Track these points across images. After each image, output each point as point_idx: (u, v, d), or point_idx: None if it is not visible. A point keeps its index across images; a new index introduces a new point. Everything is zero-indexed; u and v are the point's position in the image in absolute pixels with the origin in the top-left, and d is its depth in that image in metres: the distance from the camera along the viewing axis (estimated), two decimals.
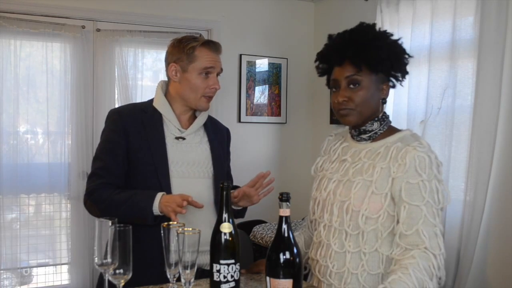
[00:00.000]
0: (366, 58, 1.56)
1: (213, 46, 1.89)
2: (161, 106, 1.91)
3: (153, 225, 1.71)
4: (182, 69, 1.86)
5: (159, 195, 1.73)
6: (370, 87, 1.60)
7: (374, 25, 1.65)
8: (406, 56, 1.63)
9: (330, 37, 1.67)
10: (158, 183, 1.79)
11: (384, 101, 1.63)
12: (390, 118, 1.69)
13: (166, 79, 1.98)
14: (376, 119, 1.62)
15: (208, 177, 1.91)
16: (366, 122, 1.64)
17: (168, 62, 1.90)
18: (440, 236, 1.48)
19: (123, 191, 1.81)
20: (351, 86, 1.60)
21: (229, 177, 2.07)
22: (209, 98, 1.91)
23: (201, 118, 1.97)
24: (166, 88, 1.96)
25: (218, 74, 1.91)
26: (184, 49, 1.85)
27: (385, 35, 1.61)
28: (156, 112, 1.90)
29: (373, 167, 1.56)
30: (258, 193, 1.84)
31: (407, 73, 1.65)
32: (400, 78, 1.65)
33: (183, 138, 1.90)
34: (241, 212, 1.99)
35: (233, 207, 1.89)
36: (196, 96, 1.87)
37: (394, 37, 1.65)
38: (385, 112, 1.66)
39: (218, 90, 1.93)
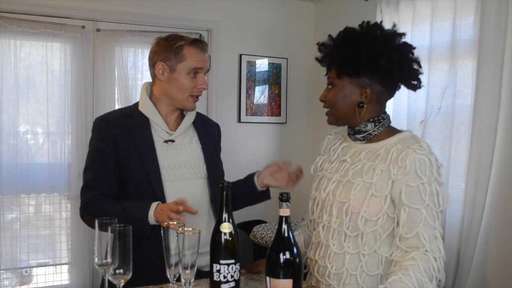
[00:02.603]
0: (342, 65, 1.59)
1: (200, 45, 1.85)
2: (147, 110, 1.87)
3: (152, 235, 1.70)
4: (170, 69, 1.82)
5: (153, 205, 1.70)
6: (342, 89, 1.61)
7: (363, 27, 1.63)
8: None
9: (319, 44, 1.69)
10: (151, 189, 1.75)
11: (361, 105, 1.60)
12: (391, 119, 1.68)
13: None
14: (371, 120, 1.62)
15: (202, 178, 1.88)
16: (343, 124, 1.68)
17: (154, 61, 1.86)
18: (440, 239, 1.48)
19: (118, 203, 1.77)
20: (330, 86, 1.65)
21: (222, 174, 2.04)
22: (196, 98, 1.88)
23: (189, 118, 1.93)
24: (150, 89, 1.92)
25: (205, 74, 1.88)
26: (172, 48, 1.81)
27: (368, 42, 1.56)
28: (142, 116, 1.86)
29: (373, 169, 1.56)
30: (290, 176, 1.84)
31: (401, 77, 1.61)
32: (395, 82, 1.63)
33: (172, 141, 1.86)
34: (266, 193, 1.95)
35: (259, 187, 1.89)
36: (183, 96, 1.84)
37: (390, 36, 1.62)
38: (385, 113, 1.65)
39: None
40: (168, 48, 1.82)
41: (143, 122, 1.86)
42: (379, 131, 1.62)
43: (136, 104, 1.92)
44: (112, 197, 1.81)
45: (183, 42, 1.82)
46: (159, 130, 1.86)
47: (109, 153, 1.81)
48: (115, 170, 1.81)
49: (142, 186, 1.79)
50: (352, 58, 1.56)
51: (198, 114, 2.01)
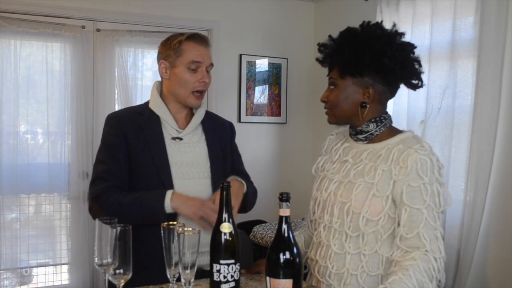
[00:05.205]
0: (345, 65, 1.59)
1: (199, 39, 1.87)
2: (157, 107, 1.90)
3: (159, 224, 1.71)
4: (171, 65, 1.86)
5: (169, 192, 1.73)
6: (345, 89, 1.61)
7: (364, 27, 1.63)
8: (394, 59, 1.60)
9: (319, 45, 1.69)
10: (162, 184, 1.77)
11: (364, 105, 1.60)
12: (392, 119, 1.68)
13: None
14: (373, 120, 1.62)
15: (207, 177, 1.89)
16: (344, 123, 1.68)
17: (158, 61, 1.91)
18: (440, 239, 1.48)
19: (130, 193, 1.79)
20: (331, 87, 1.65)
21: (239, 173, 1.98)
22: (200, 94, 1.88)
23: (198, 117, 1.94)
24: (160, 88, 1.95)
25: (208, 70, 1.88)
26: (171, 45, 1.85)
27: (371, 42, 1.57)
28: (153, 114, 1.89)
29: (374, 169, 1.56)
30: None
31: (403, 77, 1.62)
32: (398, 82, 1.64)
33: (180, 139, 1.88)
34: (245, 207, 1.92)
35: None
36: (186, 91, 1.86)
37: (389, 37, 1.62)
38: (386, 113, 1.65)
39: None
40: (168, 46, 1.86)
41: (154, 120, 1.88)
42: (381, 131, 1.62)
43: (147, 102, 1.95)
44: (123, 190, 1.82)
45: (181, 37, 1.85)
46: (168, 127, 1.89)
47: (120, 148, 1.83)
48: (126, 165, 1.83)
49: (152, 181, 1.80)
50: (355, 58, 1.56)
51: (208, 113, 2.03)
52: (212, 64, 1.91)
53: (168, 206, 1.71)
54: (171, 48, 1.85)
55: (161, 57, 1.89)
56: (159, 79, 1.97)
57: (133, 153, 1.83)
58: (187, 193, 1.77)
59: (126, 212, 1.73)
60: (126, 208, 1.74)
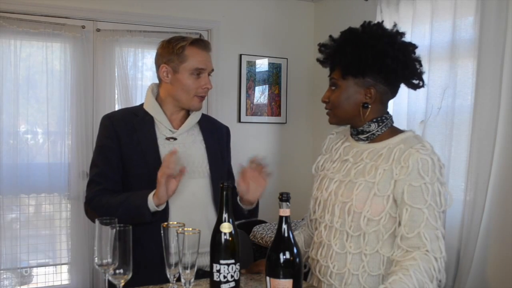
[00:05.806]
0: (347, 66, 1.59)
1: (202, 45, 1.87)
2: (152, 108, 1.90)
3: (152, 222, 1.71)
4: (173, 70, 1.85)
5: (153, 191, 1.71)
6: (347, 90, 1.61)
7: (365, 27, 1.63)
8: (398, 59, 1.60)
9: (320, 45, 1.69)
10: (154, 185, 1.75)
11: (365, 106, 1.60)
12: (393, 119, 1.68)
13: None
14: (375, 120, 1.62)
15: (205, 176, 1.90)
16: (345, 124, 1.69)
17: (158, 63, 1.89)
18: (441, 239, 1.48)
19: (120, 194, 1.80)
20: (333, 87, 1.65)
21: (230, 175, 2.05)
22: (202, 97, 1.89)
23: (194, 117, 1.94)
24: (157, 90, 1.95)
25: (209, 74, 1.89)
26: (173, 50, 1.84)
27: (373, 42, 1.57)
28: (147, 114, 1.89)
29: (375, 169, 1.56)
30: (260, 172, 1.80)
31: (405, 77, 1.62)
32: (399, 81, 1.64)
33: (174, 139, 1.88)
34: (254, 211, 1.93)
35: (244, 207, 1.86)
36: (188, 96, 1.86)
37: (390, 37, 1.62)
38: (387, 113, 1.65)
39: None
40: (170, 50, 1.84)
41: (147, 120, 1.89)
42: (382, 131, 1.62)
43: (142, 104, 1.95)
44: (115, 192, 1.82)
45: (184, 42, 1.84)
46: (162, 128, 1.89)
47: (113, 150, 1.83)
48: (119, 167, 1.84)
49: (144, 182, 1.79)
50: (358, 59, 1.56)
51: (205, 116, 2.03)
52: (213, 70, 1.91)
53: (151, 202, 1.70)
54: (173, 52, 1.83)
55: (162, 60, 1.87)
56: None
57: (126, 154, 1.83)
58: (183, 193, 1.78)
59: (115, 214, 1.72)
60: (115, 210, 1.74)
